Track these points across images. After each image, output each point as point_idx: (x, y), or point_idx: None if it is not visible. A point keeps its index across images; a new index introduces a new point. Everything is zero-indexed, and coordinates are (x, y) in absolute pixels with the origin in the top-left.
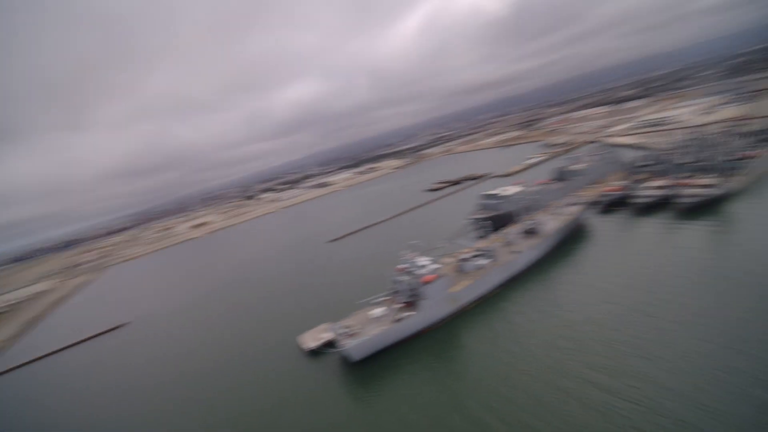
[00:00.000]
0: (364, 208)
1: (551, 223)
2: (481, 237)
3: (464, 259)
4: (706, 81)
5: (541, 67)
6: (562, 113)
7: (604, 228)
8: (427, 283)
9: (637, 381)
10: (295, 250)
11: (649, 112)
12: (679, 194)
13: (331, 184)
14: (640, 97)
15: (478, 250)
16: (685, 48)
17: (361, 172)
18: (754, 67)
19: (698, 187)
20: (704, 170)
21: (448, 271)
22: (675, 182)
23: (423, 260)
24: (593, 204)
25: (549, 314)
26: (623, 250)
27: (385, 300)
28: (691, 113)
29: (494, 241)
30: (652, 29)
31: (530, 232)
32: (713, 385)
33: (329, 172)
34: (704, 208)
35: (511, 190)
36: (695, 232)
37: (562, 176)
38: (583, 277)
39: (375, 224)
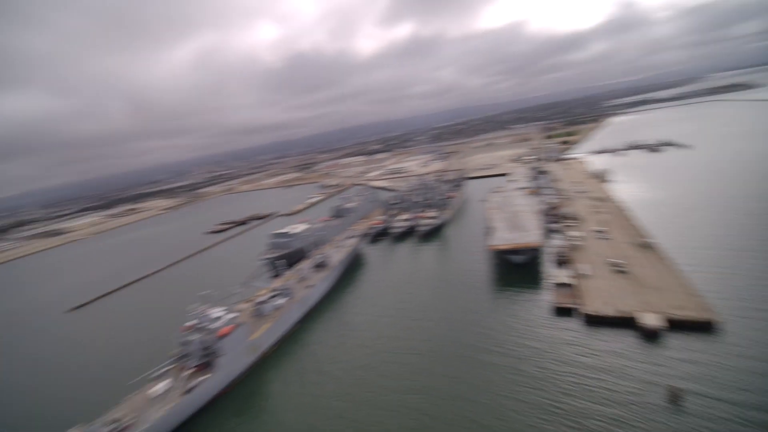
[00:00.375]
0: (126, 261)
1: (336, 255)
2: (276, 276)
3: (261, 302)
4: (421, 143)
5: (313, 117)
6: (331, 159)
7: (374, 254)
8: (223, 336)
9: (420, 379)
10: (11, 331)
11: (392, 162)
12: (418, 224)
13: (68, 232)
14: (384, 151)
15: (274, 290)
16: (409, 118)
17: (115, 215)
18: (445, 137)
19: (428, 218)
20: (430, 206)
21: (245, 318)
22: (415, 215)
23: (216, 311)
24: (365, 236)
25: (346, 337)
26: (389, 269)
27: (170, 369)
28: (415, 165)
29: (289, 278)
30: (388, 101)
31: (320, 266)
32: (460, 363)
33: (64, 215)
34: (433, 234)
35: (299, 227)
36: (429, 250)
37: (339, 213)
38: (366, 298)
39: (144, 277)
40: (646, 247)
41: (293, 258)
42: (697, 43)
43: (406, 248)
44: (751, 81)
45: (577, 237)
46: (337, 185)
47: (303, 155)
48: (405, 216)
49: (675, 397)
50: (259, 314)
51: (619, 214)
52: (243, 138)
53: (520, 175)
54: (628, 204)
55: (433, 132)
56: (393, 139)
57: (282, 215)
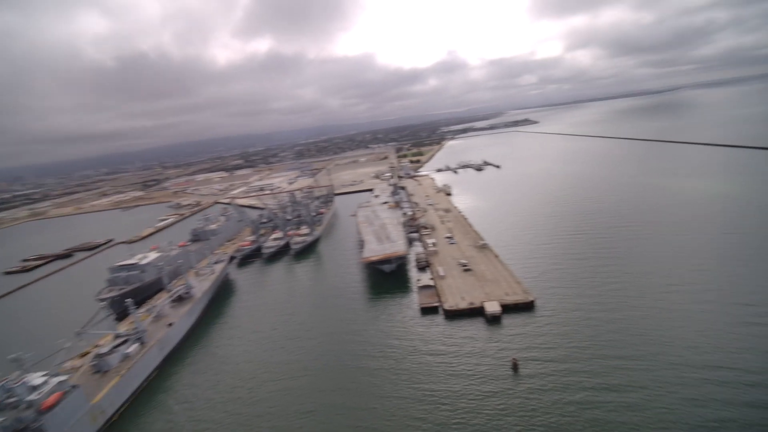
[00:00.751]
0: None
1: (200, 284)
2: (122, 318)
3: (103, 354)
4: (285, 159)
5: (159, 127)
6: (184, 175)
7: (246, 278)
8: (49, 408)
9: (311, 400)
10: None
11: (257, 179)
12: (291, 242)
13: None
14: (247, 167)
15: (119, 337)
16: (271, 133)
17: None
18: (310, 153)
19: (301, 236)
20: (302, 223)
21: (82, 378)
22: (287, 234)
23: (35, 378)
24: (232, 259)
25: (223, 374)
26: (263, 292)
27: None
28: (282, 182)
29: (140, 319)
30: (249, 115)
31: (181, 299)
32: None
33: None
34: (306, 251)
35: (150, 256)
36: (305, 268)
37: (200, 236)
38: (241, 326)
39: None
40: (483, 248)
41: (144, 293)
42: (498, 87)
43: (280, 268)
44: (534, 118)
45: (432, 244)
46: (194, 205)
47: (146, 170)
48: (277, 235)
49: (515, 366)
50: (101, 370)
51: (461, 221)
52: (56, 149)
53: (382, 190)
54: (465, 213)
55: (298, 148)
56: (255, 154)
57: (123, 243)
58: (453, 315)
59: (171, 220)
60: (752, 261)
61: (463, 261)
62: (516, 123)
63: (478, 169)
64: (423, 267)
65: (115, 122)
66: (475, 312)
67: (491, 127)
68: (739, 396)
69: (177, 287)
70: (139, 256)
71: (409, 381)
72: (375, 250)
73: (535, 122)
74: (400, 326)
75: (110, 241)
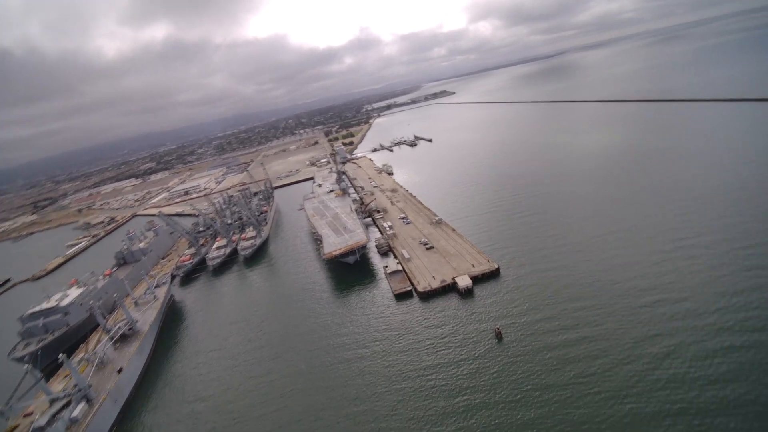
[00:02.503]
0: None
1: (144, 315)
2: (51, 375)
3: (42, 427)
4: (205, 156)
5: (39, 135)
6: (85, 188)
7: (194, 297)
8: None
9: (301, 403)
10: None
11: (176, 182)
12: (239, 248)
13: None
14: (161, 170)
15: (57, 400)
16: (182, 128)
17: None
18: (230, 147)
19: (248, 239)
20: (246, 225)
21: None
22: (232, 239)
23: None
24: (173, 278)
25: (199, 413)
26: (218, 308)
27: None
28: (208, 182)
29: (79, 371)
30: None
31: (125, 337)
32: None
33: None
34: (257, 255)
35: (72, 293)
36: (260, 273)
37: (127, 259)
38: (202, 351)
39: None
40: (439, 223)
41: (72, 339)
42: (411, 61)
43: (231, 279)
44: (450, 89)
45: (388, 227)
46: (108, 221)
47: (32, 188)
48: (220, 242)
49: (499, 335)
50: None
51: (410, 200)
52: None
53: (324, 178)
54: (412, 190)
55: (216, 142)
56: (168, 154)
57: (26, 281)
58: (427, 296)
59: (83, 243)
60: (657, 196)
61: (424, 240)
62: (435, 95)
63: (412, 144)
64: (385, 252)
65: None
66: (448, 289)
67: (413, 102)
68: (678, 315)
69: (116, 324)
70: (57, 296)
71: (402, 371)
72: (336, 244)
73: (452, 93)
74: (378, 316)
75: (7, 281)
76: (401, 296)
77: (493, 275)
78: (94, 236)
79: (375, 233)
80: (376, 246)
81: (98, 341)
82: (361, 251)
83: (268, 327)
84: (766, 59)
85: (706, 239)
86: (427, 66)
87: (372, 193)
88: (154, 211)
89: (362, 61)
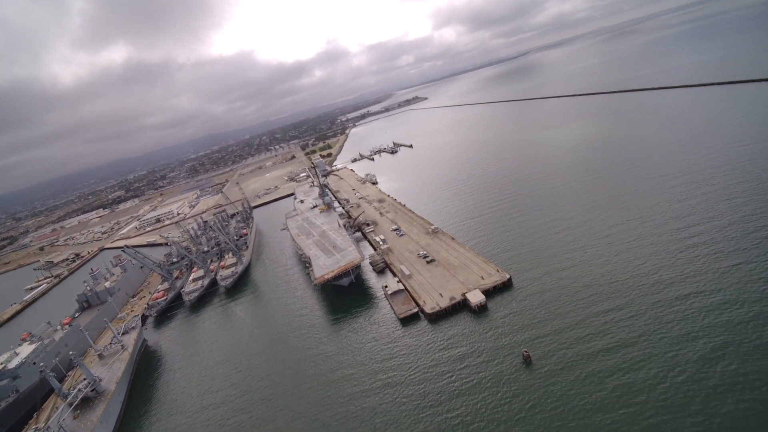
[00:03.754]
0: None
1: (110, 371)
2: None
3: None
4: (177, 180)
5: None
6: (48, 223)
7: (169, 339)
8: None
9: None
10: None
11: (147, 210)
12: (218, 278)
13: None
14: (131, 197)
15: None
16: (151, 153)
17: None
18: (205, 168)
19: (228, 267)
20: (224, 252)
21: None
22: (210, 269)
23: None
24: (145, 320)
25: None
26: (199, 348)
27: None
28: (181, 206)
29: None
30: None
31: (88, 400)
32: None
33: None
34: (239, 284)
35: (23, 351)
36: (244, 305)
37: (90, 301)
38: (184, 408)
39: None
40: (435, 233)
41: (21, 410)
42: (380, 70)
43: (212, 314)
44: (422, 95)
45: (381, 240)
46: (72, 258)
47: None
48: (196, 273)
49: (528, 359)
50: None
51: (400, 209)
52: None
53: (305, 193)
54: (400, 199)
55: (188, 164)
56: (137, 180)
57: None
58: (436, 317)
59: (44, 286)
60: (655, 184)
61: (423, 253)
62: (408, 102)
63: (392, 152)
64: (382, 269)
65: None
66: (459, 307)
67: (387, 110)
68: (714, 309)
69: (75, 387)
70: (5, 355)
71: (418, 406)
72: (327, 266)
73: (424, 98)
74: (383, 344)
75: None
76: (407, 320)
77: (505, 286)
78: (56, 276)
79: (368, 249)
80: (371, 263)
81: (53, 409)
82: (356, 271)
83: (258, 368)
84: (710, 48)
85: (719, 223)
86: (396, 74)
87: (359, 205)
88: (123, 243)
89: (332, 73)
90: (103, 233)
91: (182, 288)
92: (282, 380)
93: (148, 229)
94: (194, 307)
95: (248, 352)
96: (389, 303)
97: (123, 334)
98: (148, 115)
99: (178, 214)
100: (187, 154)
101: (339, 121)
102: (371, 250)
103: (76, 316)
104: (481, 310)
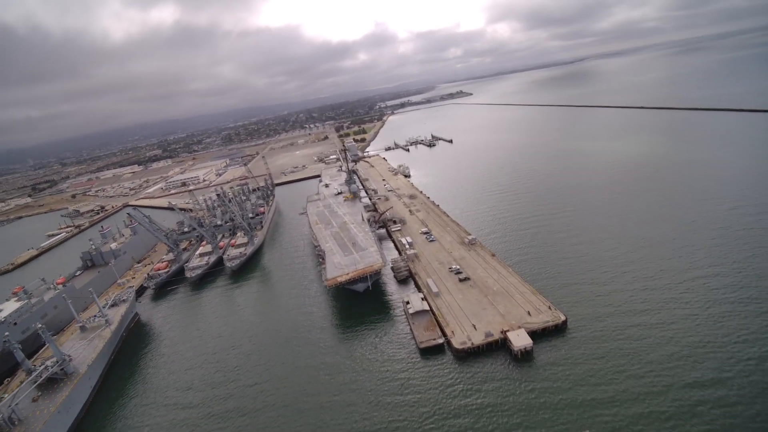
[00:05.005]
0: None
1: (86, 348)
2: None
3: None
4: (211, 146)
5: (47, 117)
6: (87, 172)
7: (163, 316)
8: None
9: None
10: None
11: (176, 172)
12: (225, 258)
13: None
14: (165, 158)
15: None
16: (193, 118)
17: None
18: (238, 138)
19: (237, 247)
20: (237, 229)
21: None
22: (219, 246)
23: None
24: (142, 292)
25: None
26: (192, 334)
27: None
28: (208, 173)
29: None
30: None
31: (54, 382)
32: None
33: None
34: (247, 267)
35: (6, 309)
36: (248, 291)
37: (95, 261)
38: (162, 389)
39: None
40: (472, 244)
41: None
42: (426, 60)
43: (213, 295)
44: (466, 90)
45: (407, 244)
46: (97, 211)
47: (41, 169)
48: (204, 248)
49: None
50: None
51: (433, 210)
52: None
53: (332, 177)
54: (433, 197)
55: (225, 133)
56: (176, 142)
57: None
58: (466, 354)
59: (63, 235)
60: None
61: (455, 267)
62: (452, 96)
63: (430, 145)
64: (404, 278)
65: None
66: (496, 347)
67: (428, 101)
68: None
69: (46, 361)
70: None
71: None
72: (342, 265)
73: (469, 94)
74: (397, 375)
75: None
76: (429, 351)
77: (558, 330)
78: (77, 226)
79: (391, 251)
80: (393, 269)
81: (21, 384)
82: (375, 277)
83: (247, 372)
84: None
85: None
86: (442, 66)
87: (387, 198)
88: (147, 202)
89: (376, 58)
90: (131, 189)
91: (187, 262)
92: (271, 394)
93: (173, 191)
94: (196, 285)
95: (241, 350)
96: (409, 324)
97: (111, 306)
98: (192, 80)
99: (204, 180)
100: (226, 123)
101: (378, 107)
102: (395, 253)
103: (77, 274)
104: (524, 357)
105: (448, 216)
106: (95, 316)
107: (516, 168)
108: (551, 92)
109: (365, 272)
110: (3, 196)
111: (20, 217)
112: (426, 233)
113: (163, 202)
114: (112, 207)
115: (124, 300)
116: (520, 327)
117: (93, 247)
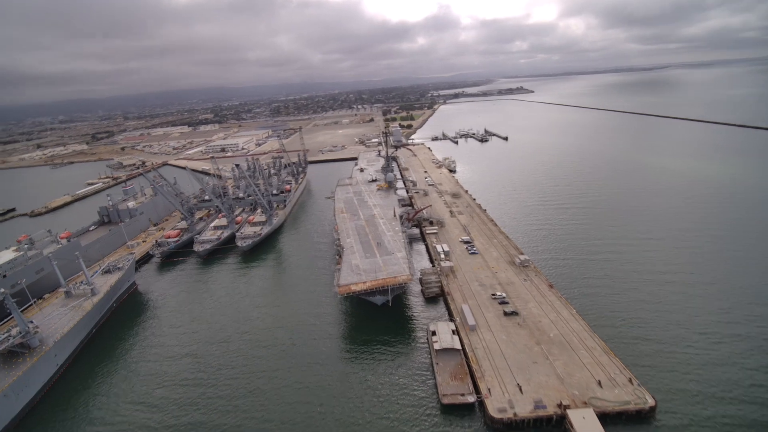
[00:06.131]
0: None
1: (61, 318)
2: None
3: None
4: (260, 116)
5: (117, 72)
6: (142, 127)
7: (164, 290)
8: None
9: None
10: None
11: (220, 137)
12: (238, 236)
13: None
14: (214, 122)
15: None
16: (248, 87)
17: None
18: (286, 111)
19: (254, 225)
20: (256, 205)
21: None
22: (235, 220)
23: None
24: (145, 261)
25: None
26: (187, 318)
27: None
28: (248, 142)
29: None
30: (221, 64)
31: (14, 356)
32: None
33: None
34: (261, 247)
35: (2, 257)
36: (257, 275)
37: (111, 218)
38: (126, 389)
39: None
40: (524, 267)
41: None
42: (488, 52)
43: (219, 277)
44: (528, 87)
45: (443, 252)
46: (137, 165)
47: (106, 120)
48: (219, 221)
49: None
50: None
51: (478, 214)
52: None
53: (369, 162)
54: (480, 199)
55: (275, 105)
56: (228, 109)
57: (25, 215)
58: (505, 428)
59: (99, 185)
60: None
61: (500, 294)
62: (511, 91)
63: (482, 140)
64: (434, 297)
65: (62, 64)
66: (546, 423)
67: (484, 94)
68: None
69: (8, 330)
70: None
71: None
72: (359, 270)
73: (530, 91)
74: (409, 428)
75: (10, 211)
76: (454, 409)
77: (642, 418)
78: (115, 179)
79: (422, 257)
80: (421, 281)
81: None
82: (398, 291)
83: (230, 380)
84: None
85: None
86: (503, 60)
87: (426, 193)
88: (184, 163)
89: (435, 44)
90: (174, 149)
91: (198, 234)
92: (244, 413)
93: (211, 155)
94: (204, 261)
95: (229, 348)
96: (432, 363)
97: (105, 272)
98: (250, 49)
99: (242, 148)
100: (278, 96)
101: (430, 94)
102: (426, 262)
103: (90, 229)
104: None
105: (495, 225)
106: (82, 282)
107: (583, 178)
108: (625, 98)
109: (387, 283)
110: (66, 140)
111: (72, 162)
112: (467, 242)
113: (199, 165)
114: (152, 164)
115: (119, 268)
116: (586, 404)
117: (110, 203)
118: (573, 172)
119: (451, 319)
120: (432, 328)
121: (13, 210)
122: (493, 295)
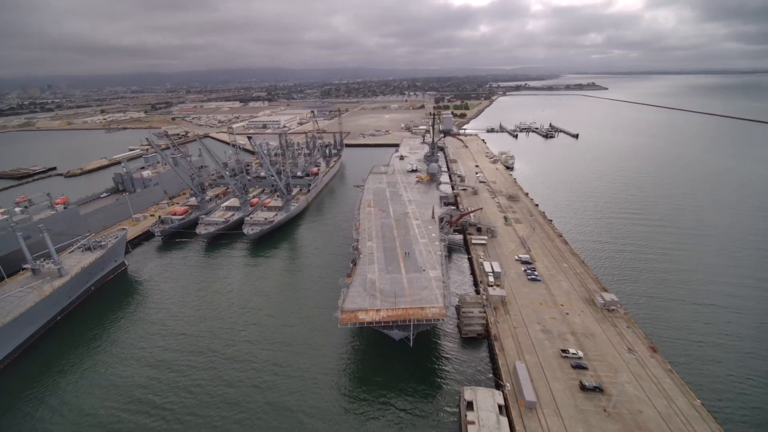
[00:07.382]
0: None
1: (13, 303)
2: None
3: None
4: (309, 97)
5: (185, 48)
6: (199, 101)
7: (157, 272)
8: None
9: None
10: None
11: (266, 113)
12: (247, 221)
13: None
14: (264, 100)
15: None
16: (304, 69)
17: None
18: (337, 94)
19: (268, 210)
20: (275, 188)
21: None
22: (248, 201)
23: None
24: (143, 240)
25: None
26: (177, 309)
27: None
28: (290, 120)
29: None
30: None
31: None
32: None
33: None
34: (270, 238)
35: None
36: (264, 268)
37: (126, 186)
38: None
39: None
40: (610, 311)
41: None
42: (556, 44)
43: (220, 267)
44: (599, 83)
45: (493, 274)
46: (180, 135)
47: (171, 92)
48: (231, 202)
49: None
50: None
51: (541, 225)
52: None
53: (412, 149)
54: (543, 206)
55: (326, 87)
56: (282, 89)
57: (62, 175)
58: None
59: (138, 152)
60: None
61: (574, 352)
62: (581, 86)
63: (547, 135)
64: (473, 337)
65: (137, 35)
66: None
67: (550, 88)
68: None
69: None
70: None
71: None
72: (375, 287)
73: (603, 88)
74: None
75: (51, 169)
76: None
77: None
78: (153, 147)
79: (463, 275)
80: (459, 316)
81: None
82: (424, 328)
83: (207, 396)
84: None
85: None
86: (573, 54)
87: (475, 191)
88: (225, 137)
89: (498, 33)
90: (220, 122)
91: (205, 215)
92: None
93: (251, 131)
94: (209, 246)
95: (212, 359)
96: None
97: (85, 249)
98: (307, 30)
99: (284, 126)
100: (332, 80)
101: (488, 85)
102: (468, 285)
103: (102, 196)
104: None
105: (565, 242)
106: (52, 260)
107: (686, 189)
108: (716, 100)
109: (409, 316)
110: (128, 108)
111: (126, 128)
112: (526, 263)
113: (232, 139)
114: (195, 135)
115: (102, 245)
116: None
117: (124, 170)
118: (670, 182)
119: (498, 382)
120: (468, 396)
121: (53, 169)
122: (563, 351)
